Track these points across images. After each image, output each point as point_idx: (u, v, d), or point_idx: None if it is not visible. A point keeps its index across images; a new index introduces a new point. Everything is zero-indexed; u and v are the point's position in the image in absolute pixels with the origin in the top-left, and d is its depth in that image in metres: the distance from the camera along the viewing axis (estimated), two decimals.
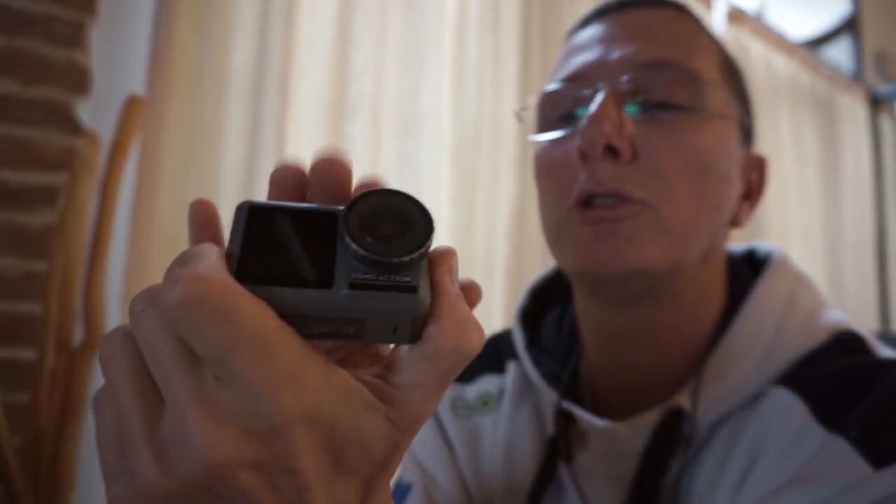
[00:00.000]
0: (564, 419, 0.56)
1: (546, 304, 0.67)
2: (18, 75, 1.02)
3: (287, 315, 0.25)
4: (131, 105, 0.91)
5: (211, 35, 1.09)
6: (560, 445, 0.56)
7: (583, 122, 0.50)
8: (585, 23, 0.59)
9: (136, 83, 1.05)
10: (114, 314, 0.94)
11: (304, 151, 1.19)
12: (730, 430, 0.50)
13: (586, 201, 0.51)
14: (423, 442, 0.65)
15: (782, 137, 2.34)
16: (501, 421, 0.62)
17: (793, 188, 2.36)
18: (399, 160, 1.34)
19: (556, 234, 0.54)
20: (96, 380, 0.88)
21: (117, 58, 1.10)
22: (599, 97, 0.51)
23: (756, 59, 2.29)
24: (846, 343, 0.52)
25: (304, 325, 0.25)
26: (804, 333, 0.52)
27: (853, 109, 2.78)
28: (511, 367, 0.64)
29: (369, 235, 0.26)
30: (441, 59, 1.39)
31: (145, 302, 0.25)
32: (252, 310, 0.24)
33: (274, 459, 0.24)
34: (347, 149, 1.25)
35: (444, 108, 1.39)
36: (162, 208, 1.02)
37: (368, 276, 0.26)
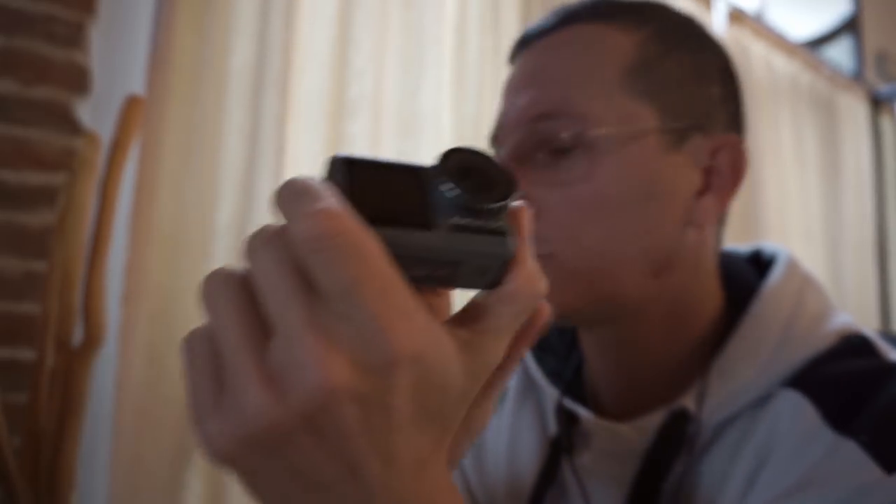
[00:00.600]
0: (567, 418, 0.56)
1: None
2: (18, 75, 1.02)
3: (394, 255, 0.26)
4: (131, 105, 0.91)
5: (211, 35, 1.09)
6: (563, 444, 0.56)
7: None
8: (512, 58, 0.59)
9: (136, 83, 1.05)
10: (114, 314, 0.94)
11: (304, 151, 1.19)
12: (737, 431, 0.50)
13: None
14: None
15: (783, 137, 2.34)
16: (504, 420, 0.62)
17: (793, 188, 2.35)
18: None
19: None
20: (96, 379, 0.88)
21: (117, 58, 1.10)
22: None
23: (756, 60, 2.29)
24: (855, 346, 0.51)
25: (404, 267, 0.26)
26: (812, 335, 0.51)
27: (854, 109, 2.77)
28: None
29: (464, 184, 0.28)
30: (441, 59, 1.39)
31: (263, 238, 0.26)
32: (377, 248, 0.25)
33: (376, 395, 0.25)
34: (347, 149, 1.25)
35: (444, 108, 1.39)
36: (162, 208, 1.01)
37: (467, 219, 0.28)
